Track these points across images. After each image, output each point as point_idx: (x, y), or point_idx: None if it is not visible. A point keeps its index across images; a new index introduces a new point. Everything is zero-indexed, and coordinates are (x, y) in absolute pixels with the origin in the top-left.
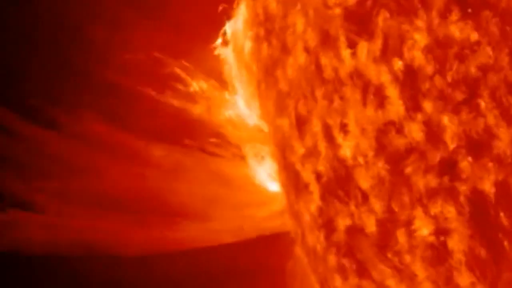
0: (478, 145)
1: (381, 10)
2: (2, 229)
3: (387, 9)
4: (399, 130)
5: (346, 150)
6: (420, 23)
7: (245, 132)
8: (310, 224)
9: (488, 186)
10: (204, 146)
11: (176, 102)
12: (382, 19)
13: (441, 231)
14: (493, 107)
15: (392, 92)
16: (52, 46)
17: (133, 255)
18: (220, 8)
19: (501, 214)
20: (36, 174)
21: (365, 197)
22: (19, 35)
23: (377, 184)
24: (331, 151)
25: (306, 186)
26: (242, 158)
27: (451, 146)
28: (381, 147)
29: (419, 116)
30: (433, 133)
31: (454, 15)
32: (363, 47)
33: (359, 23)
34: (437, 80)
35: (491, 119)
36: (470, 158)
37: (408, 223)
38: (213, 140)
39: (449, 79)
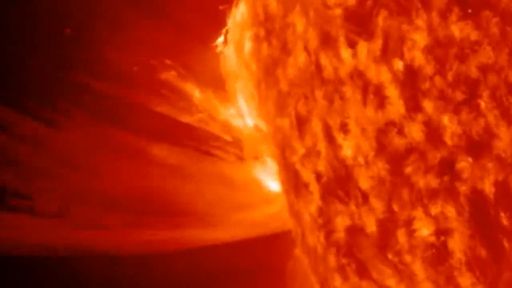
0: (478, 145)
1: (381, 10)
2: (2, 229)
3: (387, 9)
4: (400, 130)
5: (347, 150)
6: (420, 23)
7: (246, 132)
8: (310, 224)
9: (488, 186)
10: (204, 147)
11: (176, 112)
12: (382, 19)
13: (441, 231)
14: (493, 107)
15: (393, 92)
16: (52, 46)
17: (133, 255)
18: (221, 8)
19: (501, 214)
20: (36, 174)
21: (365, 197)
22: (19, 35)
23: (377, 184)
24: (331, 151)
25: (306, 186)
26: (242, 158)
27: (451, 146)
28: (381, 147)
29: (419, 116)
30: (433, 133)
31: (455, 15)
32: (363, 47)
33: (359, 23)
34: (437, 80)
35: (491, 119)
36: (470, 158)
37: (408, 223)
38: (213, 140)
39: (449, 79)
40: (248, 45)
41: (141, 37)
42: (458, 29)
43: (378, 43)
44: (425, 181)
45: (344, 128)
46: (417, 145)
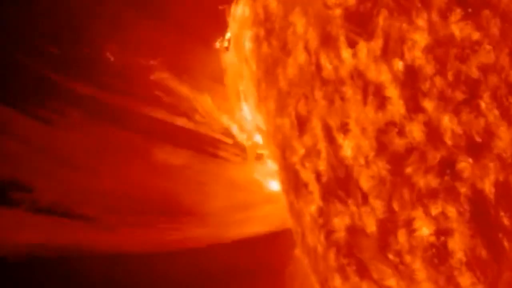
0: (479, 145)
1: (381, 10)
2: (2, 229)
3: (387, 9)
4: (400, 130)
5: (347, 150)
6: (420, 23)
7: (246, 132)
8: (310, 224)
9: (488, 186)
10: (204, 147)
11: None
12: (383, 19)
13: (442, 231)
14: (494, 107)
15: (393, 92)
16: (52, 46)
17: (133, 255)
18: (221, 8)
19: (501, 214)
20: (36, 174)
21: (365, 197)
22: (19, 35)
23: (377, 184)
24: (331, 151)
25: (306, 186)
26: (243, 158)
27: (452, 146)
28: (381, 147)
29: (420, 116)
30: (434, 133)
31: (455, 15)
32: (363, 47)
33: (359, 23)
34: (438, 80)
35: (491, 119)
36: (470, 158)
37: (409, 223)
38: (213, 141)
39: (449, 79)
40: (248, 45)
41: (141, 37)
42: (458, 29)
43: (378, 43)
44: (425, 181)
45: (344, 128)
46: (417, 145)
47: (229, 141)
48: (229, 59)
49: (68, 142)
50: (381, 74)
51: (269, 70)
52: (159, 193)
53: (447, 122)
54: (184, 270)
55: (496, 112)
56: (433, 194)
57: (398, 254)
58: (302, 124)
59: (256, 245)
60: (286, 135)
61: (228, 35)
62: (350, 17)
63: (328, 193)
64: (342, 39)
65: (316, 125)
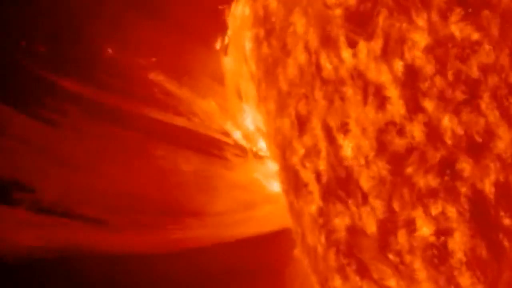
0: (479, 145)
1: (381, 10)
2: (2, 229)
3: (387, 9)
4: (400, 130)
5: (347, 150)
6: (420, 22)
7: (246, 132)
8: (310, 224)
9: (488, 186)
10: (204, 147)
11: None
12: (383, 19)
13: (442, 231)
14: (494, 107)
15: (393, 92)
16: (52, 46)
17: (133, 255)
18: (220, 8)
19: (501, 214)
20: (36, 174)
21: (365, 197)
22: (19, 35)
23: (377, 184)
24: (331, 151)
25: (306, 186)
26: (243, 158)
27: (452, 146)
28: (381, 147)
29: (420, 116)
30: (434, 133)
31: (455, 15)
32: (363, 47)
33: (360, 23)
34: (438, 80)
35: (491, 119)
36: (470, 158)
37: (409, 223)
38: (213, 141)
39: (449, 79)
40: (248, 45)
41: (141, 37)
42: (458, 29)
43: (378, 43)
44: (425, 181)
45: (344, 128)
46: (417, 145)
47: (230, 141)
48: (229, 59)
49: (68, 142)
50: (381, 74)
51: (269, 70)
52: (159, 193)
53: (447, 122)
54: (184, 270)
55: (496, 112)
56: (433, 194)
57: (398, 254)
58: (302, 124)
59: (256, 245)
60: (286, 135)
61: (228, 35)
62: (350, 17)
63: (328, 193)
64: (342, 39)
65: (316, 125)
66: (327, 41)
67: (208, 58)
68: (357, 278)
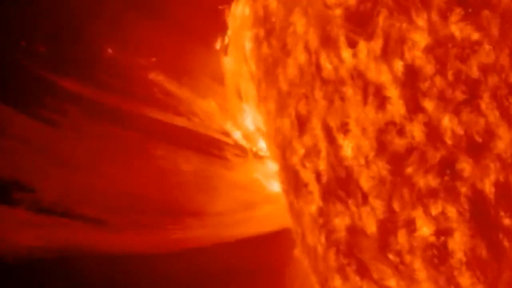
0: (479, 145)
1: (381, 10)
2: (2, 229)
3: (387, 9)
4: (400, 130)
5: (347, 150)
6: (420, 22)
7: (246, 132)
8: (310, 224)
9: (488, 186)
10: (204, 147)
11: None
12: (383, 19)
13: (442, 231)
14: (494, 107)
15: (393, 92)
16: (52, 46)
17: (133, 255)
18: (220, 8)
19: (501, 214)
20: (36, 174)
21: (365, 197)
22: (19, 35)
23: (377, 184)
24: (331, 151)
25: (306, 186)
26: (243, 158)
27: (452, 146)
28: (381, 147)
29: (420, 116)
30: (434, 133)
31: (455, 15)
32: (363, 47)
33: (360, 23)
34: (438, 80)
35: (491, 119)
36: (470, 158)
37: (409, 223)
38: (213, 141)
39: (449, 79)
40: (248, 45)
41: (141, 37)
42: (458, 29)
43: (378, 43)
44: (425, 181)
45: (344, 128)
46: (417, 145)
47: (230, 141)
48: (229, 59)
49: (68, 142)
50: (381, 74)
51: (269, 70)
52: (159, 193)
53: (447, 122)
54: (184, 270)
55: (496, 112)
56: (433, 194)
57: (398, 254)
58: (302, 124)
59: (256, 245)
60: (286, 135)
61: (228, 35)
62: (350, 17)
63: (328, 193)
64: (342, 39)
65: (316, 125)
66: (327, 41)
67: (208, 58)
68: (357, 278)
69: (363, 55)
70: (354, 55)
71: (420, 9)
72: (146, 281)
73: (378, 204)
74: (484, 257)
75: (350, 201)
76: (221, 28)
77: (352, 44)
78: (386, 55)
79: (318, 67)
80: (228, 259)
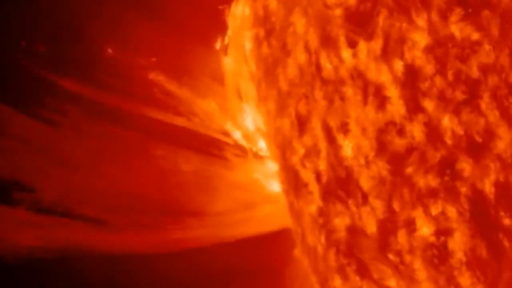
0: (479, 145)
1: (381, 10)
2: (2, 229)
3: (387, 9)
4: (400, 130)
5: (347, 150)
6: (420, 22)
7: (246, 132)
8: (310, 224)
9: (488, 186)
10: (204, 147)
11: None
12: (383, 18)
13: (442, 231)
14: (494, 107)
15: (393, 92)
16: (52, 46)
17: (133, 255)
18: (220, 8)
19: (501, 214)
20: (36, 174)
21: (365, 197)
22: (19, 35)
23: (377, 184)
24: (331, 151)
25: (306, 186)
26: (243, 158)
27: (452, 146)
28: (381, 147)
29: (420, 116)
30: (434, 133)
31: (455, 15)
32: (363, 47)
33: (360, 23)
34: (438, 80)
35: (491, 119)
36: (470, 158)
37: (409, 223)
38: (213, 141)
39: (449, 79)
40: (248, 45)
41: (141, 37)
42: (458, 29)
43: (378, 43)
44: (425, 181)
45: (344, 128)
46: (417, 145)
47: (230, 141)
48: (229, 59)
49: (68, 142)
50: (381, 74)
51: (269, 70)
52: (159, 193)
53: (447, 122)
54: (184, 270)
55: (496, 112)
56: (433, 194)
57: (398, 254)
58: (302, 124)
59: (256, 245)
60: (286, 135)
61: (228, 35)
62: (350, 17)
63: (328, 193)
64: (342, 39)
65: (316, 125)
66: (327, 41)
67: (208, 58)
68: (357, 278)
69: (363, 55)
70: (354, 55)
71: (420, 9)
72: (146, 281)
73: (378, 204)
74: (484, 257)
75: (350, 201)
76: (221, 28)
77: (352, 44)
78: (386, 55)
79: (318, 67)
80: (228, 259)
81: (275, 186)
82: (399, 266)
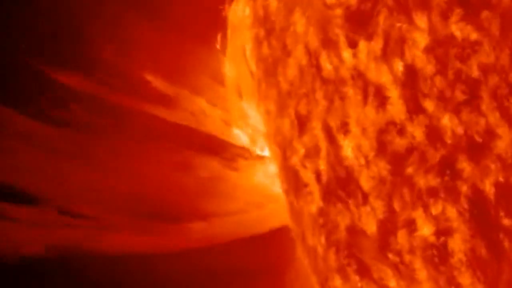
0: (479, 145)
1: (381, 10)
2: (2, 229)
3: (387, 9)
4: (400, 130)
5: (347, 150)
6: (420, 23)
7: (246, 133)
8: (310, 224)
9: (488, 186)
10: (204, 147)
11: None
12: (383, 18)
13: (442, 231)
14: (494, 108)
15: (393, 92)
16: (52, 46)
17: (133, 255)
18: (220, 8)
19: (501, 214)
20: (36, 174)
21: (365, 197)
22: (19, 35)
23: (377, 184)
24: (331, 151)
25: (306, 186)
26: (243, 158)
27: (452, 146)
28: (382, 147)
29: (420, 117)
30: (434, 133)
31: (455, 15)
32: (363, 47)
33: (360, 23)
34: (438, 80)
35: (492, 119)
36: (470, 159)
37: (409, 223)
38: (213, 141)
39: (450, 79)
40: (248, 45)
41: (141, 37)
42: (458, 29)
43: (378, 43)
44: (425, 181)
45: (344, 128)
46: (417, 145)
47: (230, 141)
48: (229, 59)
49: (68, 142)
50: (381, 74)
51: (269, 70)
52: (159, 193)
53: (447, 122)
54: (184, 270)
55: (496, 112)
56: (433, 194)
57: (399, 254)
58: (302, 124)
59: (256, 245)
60: (286, 135)
61: (228, 35)
62: (350, 17)
63: (328, 193)
64: (342, 39)
65: (316, 125)
66: (327, 41)
67: (208, 58)
68: (357, 278)
69: (363, 55)
70: (354, 55)
71: (420, 9)
72: (146, 281)
73: (378, 204)
74: (484, 257)
75: (350, 201)
76: (221, 28)
77: (352, 44)
78: (386, 55)
79: (318, 67)
80: (228, 259)
81: (276, 186)
82: (399, 266)
